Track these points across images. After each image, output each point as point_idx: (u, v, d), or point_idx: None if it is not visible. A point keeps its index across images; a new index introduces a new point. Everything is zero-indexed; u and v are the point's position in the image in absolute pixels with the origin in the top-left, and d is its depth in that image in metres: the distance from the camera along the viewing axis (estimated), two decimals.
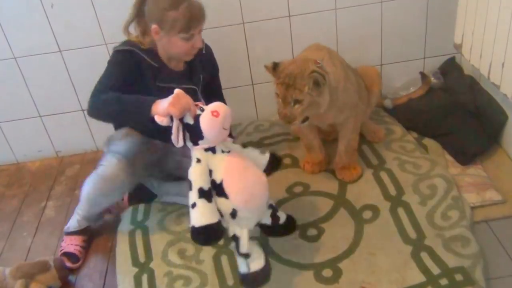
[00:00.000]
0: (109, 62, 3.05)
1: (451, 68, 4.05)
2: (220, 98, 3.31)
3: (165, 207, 3.37)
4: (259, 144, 3.87)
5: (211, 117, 2.49)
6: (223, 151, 2.62)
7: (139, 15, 3.06)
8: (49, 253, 3.28)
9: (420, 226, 2.93)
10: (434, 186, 3.18)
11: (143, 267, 2.96)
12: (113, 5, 3.65)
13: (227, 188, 2.53)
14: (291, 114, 2.90)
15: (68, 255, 3.17)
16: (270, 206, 2.85)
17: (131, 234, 3.19)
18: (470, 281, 2.57)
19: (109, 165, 2.97)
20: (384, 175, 3.34)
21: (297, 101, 2.87)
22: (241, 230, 2.58)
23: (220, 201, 2.53)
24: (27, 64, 3.80)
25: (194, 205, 2.47)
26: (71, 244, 3.20)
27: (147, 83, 3.03)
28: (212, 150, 2.59)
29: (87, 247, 3.27)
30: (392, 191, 3.21)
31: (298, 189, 3.39)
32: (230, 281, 2.79)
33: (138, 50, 3.02)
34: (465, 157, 3.44)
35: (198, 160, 2.54)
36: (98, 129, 4.16)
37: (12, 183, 4.01)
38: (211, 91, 3.33)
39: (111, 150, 3.07)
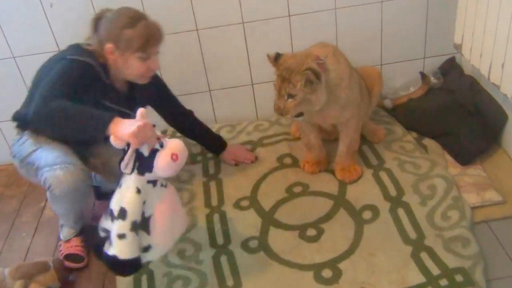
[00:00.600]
0: (63, 69, 2.80)
1: (451, 68, 4.05)
2: (173, 98, 3.51)
3: None
4: (259, 144, 3.88)
5: (169, 160, 2.39)
6: (162, 185, 2.54)
7: (94, 31, 2.97)
8: (49, 254, 3.27)
9: (420, 226, 2.93)
10: (434, 186, 3.18)
11: (143, 268, 2.93)
12: (112, 5, 3.64)
13: (153, 225, 2.48)
14: (284, 107, 2.95)
15: (71, 256, 3.15)
16: None
17: None
18: (470, 282, 2.56)
19: (57, 181, 2.76)
20: (384, 175, 3.34)
21: (290, 95, 2.92)
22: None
23: (140, 233, 2.46)
24: (26, 63, 3.79)
25: (123, 236, 2.38)
26: (71, 246, 3.18)
27: (95, 100, 2.88)
28: (153, 182, 2.49)
29: (86, 246, 3.23)
30: (392, 191, 3.21)
31: (297, 189, 3.39)
32: (229, 282, 2.78)
33: (95, 63, 2.88)
34: (465, 157, 3.44)
35: (138, 191, 2.41)
36: None
37: (11, 183, 4.01)
38: (161, 98, 3.40)
39: (45, 165, 2.81)
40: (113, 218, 2.41)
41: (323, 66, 2.96)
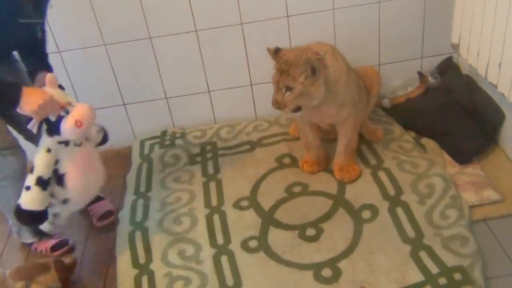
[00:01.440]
0: None
1: (448, 67, 4.06)
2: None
3: (164, 207, 3.39)
4: (258, 144, 3.89)
5: (73, 126, 2.63)
6: (75, 144, 2.77)
7: None
8: (49, 255, 3.28)
9: (418, 225, 2.94)
10: (433, 185, 3.19)
11: (143, 268, 2.97)
12: (111, 6, 3.66)
13: (68, 181, 2.75)
14: (282, 101, 2.97)
15: (57, 246, 3.30)
16: None
17: (131, 235, 3.20)
18: (469, 280, 2.57)
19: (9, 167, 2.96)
20: (382, 175, 3.35)
21: (288, 88, 2.93)
22: (64, 211, 2.87)
23: (57, 188, 2.77)
24: None
25: (28, 188, 2.66)
26: (49, 239, 3.32)
27: (10, 20, 2.69)
28: (66, 143, 2.72)
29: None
30: (391, 190, 3.22)
31: (297, 189, 3.40)
32: (230, 282, 2.80)
33: None
34: (463, 156, 3.45)
35: (48, 150, 2.69)
36: None
37: None
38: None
39: None
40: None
41: (322, 61, 2.98)
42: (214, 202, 3.38)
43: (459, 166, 3.43)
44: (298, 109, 3.04)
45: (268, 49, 3.09)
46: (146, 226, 3.25)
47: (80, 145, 2.79)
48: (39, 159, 2.67)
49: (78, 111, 2.65)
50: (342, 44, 3.93)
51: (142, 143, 4.08)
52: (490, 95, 3.63)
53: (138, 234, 3.20)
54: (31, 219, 2.71)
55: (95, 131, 3.02)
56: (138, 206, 3.45)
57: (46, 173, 2.68)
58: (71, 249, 3.32)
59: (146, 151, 3.97)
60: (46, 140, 2.70)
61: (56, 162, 2.72)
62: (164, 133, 4.12)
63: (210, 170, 3.68)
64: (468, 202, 3.12)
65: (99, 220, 3.47)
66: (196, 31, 3.83)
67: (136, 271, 2.96)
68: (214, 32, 3.84)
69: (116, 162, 4.04)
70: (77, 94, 3.95)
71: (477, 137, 3.50)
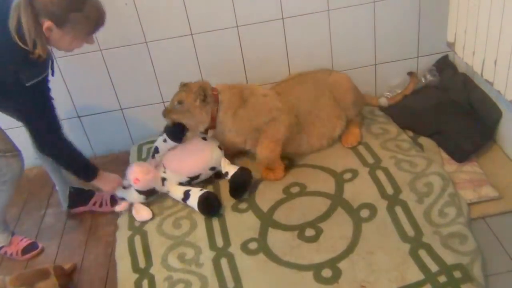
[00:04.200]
0: (32, 98, 2.82)
1: (444, 66, 4.06)
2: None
3: (162, 211, 3.39)
4: None
5: (135, 184, 3.40)
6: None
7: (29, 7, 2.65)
8: (49, 261, 3.29)
9: (417, 224, 2.93)
10: (431, 183, 3.19)
11: (143, 272, 2.97)
12: (106, 11, 3.65)
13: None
14: (170, 110, 3.42)
15: (27, 248, 3.38)
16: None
17: (130, 240, 3.20)
18: (468, 278, 2.57)
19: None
20: (380, 174, 3.35)
21: (179, 102, 3.37)
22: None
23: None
24: None
25: None
26: (18, 243, 3.39)
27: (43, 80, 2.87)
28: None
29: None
30: (389, 189, 3.21)
31: (295, 189, 3.40)
32: (230, 284, 2.80)
33: (38, 70, 2.80)
34: (460, 154, 3.45)
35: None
36: (95, 135, 4.18)
37: None
38: None
39: None
40: None
41: (216, 96, 3.42)
42: None
43: (457, 164, 3.43)
44: (184, 128, 3.45)
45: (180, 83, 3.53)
46: (145, 230, 3.25)
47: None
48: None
49: (132, 172, 3.42)
50: (337, 45, 3.94)
51: (139, 147, 4.08)
52: (486, 92, 3.63)
53: (137, 239, 3.20)
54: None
55: None
56: None
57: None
58: (42, 252, 3.41)
59: (143, 155, 3.97)
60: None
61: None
62: None
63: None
64: (467, 200, 3.12)
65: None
66: (191, 34, 3.83)
67: (136, 276, 2.97)
68: (209, 35, 3.84)
69: (114, 167, 4.01)
70: (73, 100, 3.96)
71: (475, 135, 3.50)
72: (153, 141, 4.01)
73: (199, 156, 3.51)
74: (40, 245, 3.39)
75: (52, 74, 3.01)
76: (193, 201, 3.31)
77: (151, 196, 3.46)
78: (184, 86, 3.45)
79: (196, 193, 3.34)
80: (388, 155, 3.50)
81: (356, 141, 3.65)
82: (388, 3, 3.82)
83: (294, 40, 3.92)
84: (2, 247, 3.35)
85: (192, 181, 3.52)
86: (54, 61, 3.12)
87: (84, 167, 3.21)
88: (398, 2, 3.83)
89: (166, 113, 3.42)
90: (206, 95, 3.34)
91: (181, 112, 3.37)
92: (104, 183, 3.30)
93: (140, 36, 3.81)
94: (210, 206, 3.28)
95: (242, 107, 3.42)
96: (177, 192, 3.44)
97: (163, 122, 4.01)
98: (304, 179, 3.47)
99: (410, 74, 4.04)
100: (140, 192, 3.41)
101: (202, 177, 3.55)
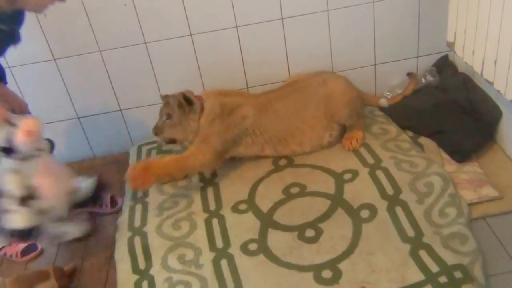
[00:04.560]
0: None
1: (444, 66, 4.06)
2: None
3: (162, 212, 3.37)
4: None
5: (25, 137, 2.70)
6: (33, 156, 2.80)
7: None
8: (49, 263, 3.28)
9: (418, 224, 2.92)
10: (431, 184, 3.18)
11: (143, 274, 2.96)
12: (106, 11, 3.65)
13: (43, 191, 2.82)
14: (161, 126, 3.46)
15: (27, 249, 3.35)
16: None
17: (130, 241, 3.19)
18: (469, 278, 2.56)
19: None
20: (380, 174, 3.34)
21: (168, 116, 3.43)
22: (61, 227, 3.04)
23: (35, 202, 2.82)
24: (22, 73, 3.80)
25: (11, 211, 2.76)
26: (17, 244, 3.36)
27: None
28: (25, 158, 2.77)
29: None
30: (389, 190, 3.20)
31: (295, 190, 3.38)
32: (230, 285, 2.79)
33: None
34: (460, 154, 3.45)
35: (15, 171, 2.77)
36: (94, 136, 4.17)
37: None
38: None
39: None
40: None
41: (201, 105, 3.47)
42: (212, 206, 3.36)
43: (457, 164, 3.43)
44: (172, 141, 3.53)
45: (160, 95, 3.62)
46: (145, 232, 3.24)
47: (38, 155, 2.83)
48: (12, 181, 2.74)
49: (25, 123, 2.70)
50: (337, 45, 3.94)
51: (139, 148, 4.07)
52: (486, 92, 3.63)
53: (137, 240, 3.19)
54: (23, 236, 2.87)
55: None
56: (136, 211, 3.43)
57: (23, 192, 2.75)
58: (41, 253, 3.39)
59: (143, 156, 3.97)
60: (6, 163, 2.75)
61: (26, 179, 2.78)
62: None
63: (207, 174, 3.67)
64: (467, 200, 3.11)
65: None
66: (191, 35, 3.83)
67: (136, 277, 2.96)
68: (209, 35, 3.84)
69: (114, 168, 4.03)
70: (73, 101, 3.96)
71: (475, 134, 3.50)
72: (152, 142, 4.02)
73: None
74: (39, 246, 3.38)
75: (16, 42, 2.99)
76: None
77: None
78: (165, 97, 3.50)
79: None
80: (388, 155, 3.49)
81: (359, 144, 3.61)
82: (387, 3, 3.82)
83: (293, 40, 3.92)
84: (2, 248, 3.35)
85: None
86: (20, 30, 3.09)
87: None
88: (397, 1, 3.83)
89: (158, 131, 3.47)
90: (192, 102, 3.42)
91: (172, 126, 3.45)
92: None
93: (139, 36, 3.80)
94: None
95: (220, 117, 3.47)
96: None
97: None
98: (304, 179, 3.45)
99: (410, 75, 4.04)
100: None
101: None
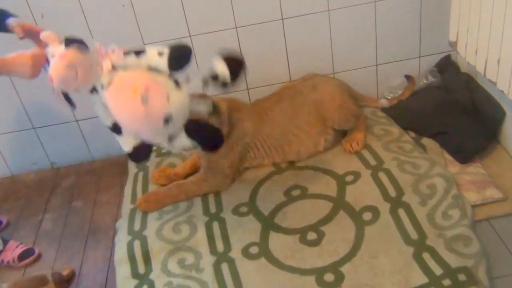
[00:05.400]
0: None
1: (447, 66, 4.04)
2: None
3: (162, 215, 3.34)
4: None
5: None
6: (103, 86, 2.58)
7: None
8: (47, 267, 3.26)
9: (421, 226, 2.90)
10: (434, 185, 3.16)
11: (143, 278, 2.93)
12: (103, 13, 3.63)
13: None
14: None
15: (23, 254, 3.32)
16: None
17: (130, 245, 3.15)
18: (473, 281, 2.54)
19: None
20: (383, 176, 3.31)
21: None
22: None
23: None
24: None
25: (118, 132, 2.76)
26: (14, 249, 3.33)
27: None
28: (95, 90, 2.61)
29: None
30: (392, 192, 3.17)
31: (296, 192, 3.36)
32: None
33: None
34: (464, 156, 3.42)
35: (103, 105, 2.63)
36: (93, 139, 4.16)
37: (8, 196, 4.00)
38: None
39: None
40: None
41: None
42: (213, 209, 3.33)
43: (460, 165, 3.41)
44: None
45: None
46: (145, 235, 3.21)
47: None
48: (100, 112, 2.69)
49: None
50: (338, 45, 3.92)
51: None
52: (489, 92, 3.61)
53: (137, 244, 3.16)
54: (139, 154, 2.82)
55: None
56: (136, 215, 3.40)
57: (109, 120, 2.69)
58: (39, 257, 3.36)
59: None
60: (95, 98, 2.64)
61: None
62: None
63: None
64: (471, 202, 3.09)
65: None
66: (190, 36, 3.81)
67: (136, 282, 2.92)
68: (208, 36, 3.82)
69: (113, 171, 4.03)
70: None
71: (478, 135, 3.48)
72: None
73: None
74: (36, 251, 3.36)
75: None
76: None
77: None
78: None
79: None
80: (390, 156, 3.46)
81: (360, 147, 3.57)
82: (389, 2, 3.80)
83: (294, 41, 3.90)
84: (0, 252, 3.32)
85: None
86: None
87: None
88: (399, 1, 3.81)
89: None
90: (219, 111, 3.31)
91: None
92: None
93: (137, 38, 3.78)
94: None
95: (225, 139, 3.37)
96: None
97: None
98: (305, 181, 3.43)
99: (408, 78, 4.02)
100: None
101: None
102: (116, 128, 2.68)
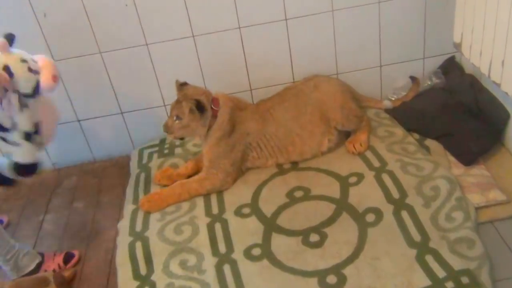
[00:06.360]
0: None
1: (451, 67, 4.03)
2: None
3: (164, 216, 3.33)
4: None
5: (53, 83, 2.75)
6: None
7: None
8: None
9: (424, 228, 2.89)
10: (437, 187, 3.15)
11: (144, 279, 2.92)
12: (106, 13, 3.62)
13: (43, 128, 2.86)
14: (171, 126, 3.38)
15: (66, 259, 3.28)
16: None
17: (131, 246, 3.15)
18: (476, 284, 2.53)
19: None
20: (386, 178, 3.30)
21: (178, 117, 3.34)
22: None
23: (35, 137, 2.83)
24: None
25: (18, 144, 2.79)
26: (54, 256, 3.28)
27: None
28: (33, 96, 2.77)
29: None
30: (395, 193, 3.16)
31: (299, 193, 3.35)
32: None
33: None
34: (467, 157, 3.41)
35: (26, 105, 2.73)
36: (95, 139, 4.15)
37: (9, 196, 3.99)
38: None
39: None
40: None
41: (215, 111, 3.41)
42: (215, 210, 3.33)
43: (464, 167, 3.40)
44: (182, 138, 3.60)
45: (176, 81, 3.44)
46: (147, 236, 3.20)
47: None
48: (24, 117, 2.73)
49: (49, 67, 2.73)
50: (342, 46, 3.91)
51: (140, 152, 4.04)
52: (494, 94, 3.59)
53: (138, 245, 3.15)
54: (28, 171, 2.86)
55: None
56: (138, 216, 3.39)
57: (29, 127, 2.75)
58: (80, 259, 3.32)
59: (144, 160, 3.93)
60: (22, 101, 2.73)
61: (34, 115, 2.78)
62: (163, 141, 4.08)
63: None
64: (474, 204, 3.08)
65: None
66: (193, 36, 3.80)
67: (137, 283, 2.92)
68: (211, 37, 3.81)
69: (115, 171, 4.03)
70: (73, 104, 3.93)
71: (482, 137, 3.46)
72: (154, 145, 3.99)
73: None
74: (75, 252, 3.32)
75: None
76: None
77: None
78: (182, 95, 3.36)
79: None
80: (394, 158, 3.45)
81: (363, 148, 3.57)
82: (393, 3, 3.78)
83: (297, 41, 3.89)
84: (40, 266, 3.26)
85: None
86: None
87: None
88: (403, 2, 3.79)
89: (168, 130, 3.40)
90: (205, 109, 3.35)
91: (182, 127, 3.37)
92: None
93: (140, 38, 3.77)
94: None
95: (227, 136, 3.45)
96: None
97: None
98: (308, 183, 3.42)
99: (413, 79, 4.00)
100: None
101: None
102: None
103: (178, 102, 3.35)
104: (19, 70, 2.65)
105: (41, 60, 2.77)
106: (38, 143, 2.87)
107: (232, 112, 3.44)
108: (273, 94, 3.74)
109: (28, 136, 2.76)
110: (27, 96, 2.70)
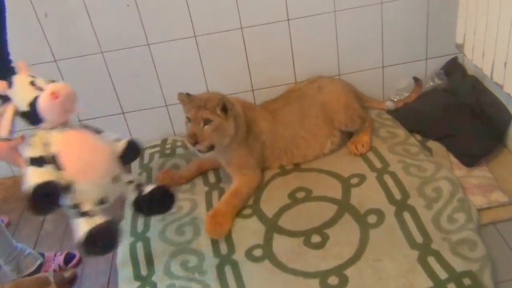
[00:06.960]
0: None
1: (453, 68, 4.02)
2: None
3: (166, 217, 3.32)
4: None
5: (50, 100, 2.42)
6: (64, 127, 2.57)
7: None
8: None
9: (426, 230, 2.88)
10: (440, 189, 3.14)
11: (145, 280, 2.92)
12: (108, 12, 3.61)
13: (62, 159, 2.47)
14: (201, 134, 3.10)
15: (67, 259, 3.28)
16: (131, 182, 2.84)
17: (132, 247, 3.14)
18: (478, 285, 2.53)
19: None
20: (388, 179, 3.29)
21: (207, 121, 3.11)
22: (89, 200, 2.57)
23: (59, 174, 2.45)
24: None
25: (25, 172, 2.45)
26: (54, 256, 3.29)
27: None
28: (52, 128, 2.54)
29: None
30: (397, 195, 3.16)
31: (300, 194, 3.35)
32: None
33: None
34: (470, 159, 3.41)
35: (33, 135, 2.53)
36: None
37: (9, 197, 4.00)
38: None
39: None
40: None
41: (232, 107, 3.24)
42: None
43: (466, 168, 3.40)
44: (211, 148, 3.18)
45: (179, 95, 3.29)
46: (148, 237, 3.20)
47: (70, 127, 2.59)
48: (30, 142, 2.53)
49: (51, 86, 2.46)
50: (344, 47, 3.91)
51: (142, 152, 4.01)
52: (496, 95, 3.59)
53: (139, 245, 3.15)
54: (43, 194, 2.40)
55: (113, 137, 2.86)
56: (139, 216, 3.37)
57: (35, 153, 2.48)
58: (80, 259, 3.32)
59: (146, 160, 3.93)
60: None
61: (45, 145, 2.51)
62: (164, 141, 4.07)
63: (212, 179, 3.64)
64: (476, 205, 3.08)
65: None
66: (195, 36, 3.79)
67: (138, 283, 2.91)
68: (213, 37, 3.80)
69: None
70: None
71: (484, 138, 3.46)
72: (155, 145, 3.98)
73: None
74: (76, 253, 3.33)
75: None
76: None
77: None
78: (200, 100, 3.18)
79: None
80: (396, 159, 3.44)
81: (365, 149, 3.56)
82: (396, 4, 3.78)
83: (299, 42, 3.88)
84: (41, 266, 3.27)
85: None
86: None
87: None
88: (406, 2, 3.79)
89: (198, 138, 3.09)
90: (227, 104, 3.16)
91: (214, 130, 3.12)
92: None
93: (142, 38, 3.77)
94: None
95: (246, 138, 3.40)
96: None
97: (165, 126, 3.99)
98: (310, 184, 3.41)
99: (416, 80, 3.99)
100: None
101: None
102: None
103: (199, 108, 3.13)
104: (19, 81, 2.54)
105: (56, 83, 2.52)
106: (63, 183, 2.48)
107: (244, 111, 3.43)
108: (277, 96, 3.75)
109: (33, 161, 2.46)
110: (26, 115, 2.53)
